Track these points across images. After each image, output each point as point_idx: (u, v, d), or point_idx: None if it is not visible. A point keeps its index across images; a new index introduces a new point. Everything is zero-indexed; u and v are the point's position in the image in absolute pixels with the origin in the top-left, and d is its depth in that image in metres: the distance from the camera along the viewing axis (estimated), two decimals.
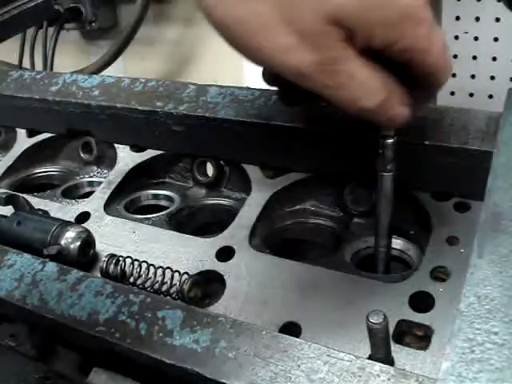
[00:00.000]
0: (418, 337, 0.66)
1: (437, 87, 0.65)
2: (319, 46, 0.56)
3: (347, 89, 0.59)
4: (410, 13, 0.57)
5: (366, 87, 0.59)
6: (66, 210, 0.97)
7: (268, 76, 0.71)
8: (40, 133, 1.16)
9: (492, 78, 1.53)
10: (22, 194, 0.97)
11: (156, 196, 1.05)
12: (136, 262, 0.79)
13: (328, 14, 0.54)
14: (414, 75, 0.62)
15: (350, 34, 0.56)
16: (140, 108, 0.97)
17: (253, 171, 0.94)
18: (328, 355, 0.57)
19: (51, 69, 1.96)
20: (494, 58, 1.51)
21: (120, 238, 0.89)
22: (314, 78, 0.58)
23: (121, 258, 0.80)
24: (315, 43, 0.56)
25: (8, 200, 0.90)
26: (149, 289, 0.77)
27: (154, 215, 0.96)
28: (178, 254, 0.83)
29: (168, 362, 0.61)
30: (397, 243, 0.82)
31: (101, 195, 0.99)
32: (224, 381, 0.58)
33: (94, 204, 0.97)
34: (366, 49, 0.58)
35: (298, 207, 0.93)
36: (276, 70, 0.59)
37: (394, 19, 0.56)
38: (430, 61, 0.61)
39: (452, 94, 1.58)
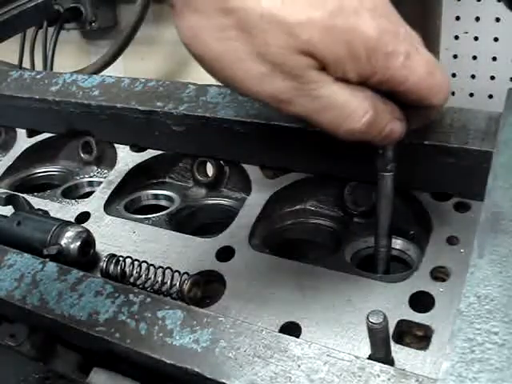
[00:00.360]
0: (418, 337, 0.66)
1: (435, 107, 0.64)
2: (291, 73, 0.57)
3: (330, 111, 0.59)
4: (378, 47, 0.56)
5: (350, 108, 0.59)
6: (65, 210, 0.97)
7: None
8: (40, 133, 1.16)
9: (492, 77, 1.53)
10: (22, 194, 0.97)
11: (156, 196, 1.05)
12: (136, 262, 0.79)
13: (297, 46, 0.55)
14: (403, 101, 0.62)
15: (323, 66, 0.57)
16: (140, 108, 0.97)
17: (253, 171, 0.94)
18: (328, 355, 0.57)
19: (51, 69, 1.96)
20: (494, 58, 1.51)
21: (120, 238, 0.89)
22: (293, 104, 0.59)
23: (121, 258, 0.80)
24: (287, 71, 0.57)
25: (8, 200, 0.90)
26: (149, 289, 0.77)
27: (154, 215, 0.96)
28: (178, 254, 0.83)
29: (168, 361, 0.61)
30: (397, 243, 0.82)
31: (101, 195, 0.99)
32: (224, 381, 0.58)
33: (94, 204, 0.97)
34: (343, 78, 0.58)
35: (298, 207, 0.93)
36: (256, 98, 0.60)
37: (362, 56, 0.56)
38: (414, 88, 0.60)
39: (452, 94, 1.58)
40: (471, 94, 1.57)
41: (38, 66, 1.98)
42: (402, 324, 0.67)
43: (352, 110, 0.59)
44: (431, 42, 1.19)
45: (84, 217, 0.94)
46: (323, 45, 0.55)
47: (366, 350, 0.62)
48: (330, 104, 0.58)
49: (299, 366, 0.57)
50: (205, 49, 0.58)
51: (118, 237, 0.89)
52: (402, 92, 0.61)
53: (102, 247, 0.86)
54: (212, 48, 0.58)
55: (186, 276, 0.76)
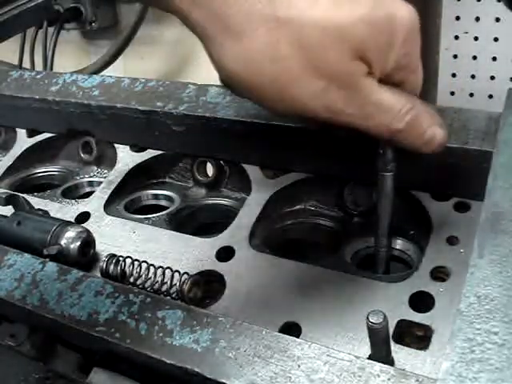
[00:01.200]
0: (418, 337, 0.66)
1: None
2: (346, 83, 0.57)
3: (378, 115, 0.60)
4: (411, 32, 0.58)
5: (395, 109, 0.61)
6: (65, 210, 0.97)
7: None
8: (40, 133, 1.16)
9: (492, 77, 1.53)
10: (22, 194, 0.97)
11: (156, 196, 1.05)
12: (136, 262, 0.79)
13: (351, 50, 0.56)
14: None
15: (369, 67, 0.58)
16: (140, 108, 0.97)
17: (253, 171, 0.94)
18: (328, 355, 0.57)
19: (51, 69, 1.96)
20: (494, 58, 1.51)
21: (120, 238, 0.89)
22: (346, 114, 0.59)
23: (121, 258, 0.80)
24: (343, 81, 0.57)
25: (8, 200, 0.90)
26: (149, 289, 0.77)
27: (154, 215, 0.96)
28: (177, 254, 0.83)
29: (168, 361, 0.61)
30: (397, 243, 0.82)
31: (101, 195, 0.99)
32: (224, 381, 0.58)
33: (93, 204, 0.97)
34: (381, 78, 0.60)
35: (297, 207, 0.93)
36: (310, 115, 0.60)
37: (400, 39, 0.57)
38: (418, 79, 0.63)
39: (452, 94, 1.58)
40: (471, 94, 1.57)
41: (38, 66, 1.98)
42: (401, 324, 0.67)
43: (397, 110, 0.61)
44: (431, 41, 1.19)
45: (84, 217, 0.94)
46: (371, 39, 0.56)
47: (366, 349, 0.62)
48: (377, 108, 0.60)
49: (299, 366, 0.57)
50: (260, 75, 0.57)
51: (117, 237, 0.89)
52: (411, 81, 0.62)
53: (102, 247, 0.86)
54: (267, 72, 0.56)
55: (185, 276, 0.76)
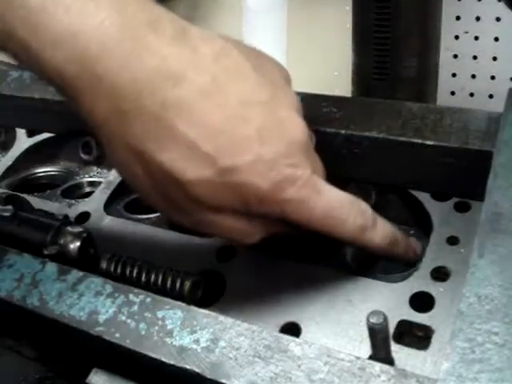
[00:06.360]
0: (418, 337, 0.66)
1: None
2: (187, 212, 0.63)
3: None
4: (269, 197, 0.60)
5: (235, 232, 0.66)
6: (66, 210, 0.97)
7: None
8: (40, 133, 1.16)
9: (492, 77, 1.53)
10: (22, 194, 0.97)
11: None
12: (136, 262, 0.79)
13: (190, 199, 0.60)
14: None
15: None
16: None
17: None
18: (328, 355, 0.57)
19: None
20: (495, 58, 1.51)
21: (120, 238, 0.89)
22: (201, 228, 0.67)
23: (121, 258, 0.80)
24: (183, 210, 0.63)
25: (8, 200, 0.90)
26: (149, 289, 0.77)
27: (154, 215, 0.96)
28: (178, 254, 0.83)
29: (168, 362, 0.61)
30: None
31: (101, 195, 0.99)
32: (224, 381, 0.58)
33: (93, 204, 0.97)
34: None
35: None
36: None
37: (253, 203, 0.61)
38: (317, 225, 0.66)
39: (452, 93, 1.58)
40: (471, 94, 1.57)
41: None
42: (402, 324, 0.67)
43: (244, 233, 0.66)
44: (431, 41, 1.19)
45: (84, 217, 0.94)
46: (213, 199, 0.60)
47: (367, 350, 0.62)
48: (223, 230, 0.65)
49: (299, 367, 0.57)
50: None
51: (118, 237, 0.89)
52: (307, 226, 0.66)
53: (102, 247, 0.86)
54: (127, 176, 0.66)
55: (186, 276, 0.76)
